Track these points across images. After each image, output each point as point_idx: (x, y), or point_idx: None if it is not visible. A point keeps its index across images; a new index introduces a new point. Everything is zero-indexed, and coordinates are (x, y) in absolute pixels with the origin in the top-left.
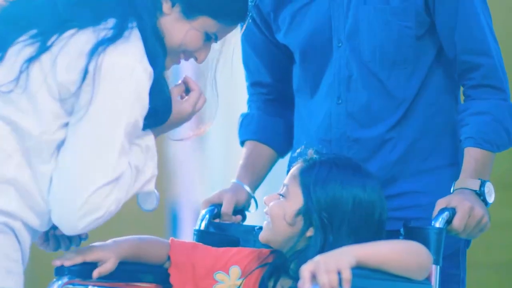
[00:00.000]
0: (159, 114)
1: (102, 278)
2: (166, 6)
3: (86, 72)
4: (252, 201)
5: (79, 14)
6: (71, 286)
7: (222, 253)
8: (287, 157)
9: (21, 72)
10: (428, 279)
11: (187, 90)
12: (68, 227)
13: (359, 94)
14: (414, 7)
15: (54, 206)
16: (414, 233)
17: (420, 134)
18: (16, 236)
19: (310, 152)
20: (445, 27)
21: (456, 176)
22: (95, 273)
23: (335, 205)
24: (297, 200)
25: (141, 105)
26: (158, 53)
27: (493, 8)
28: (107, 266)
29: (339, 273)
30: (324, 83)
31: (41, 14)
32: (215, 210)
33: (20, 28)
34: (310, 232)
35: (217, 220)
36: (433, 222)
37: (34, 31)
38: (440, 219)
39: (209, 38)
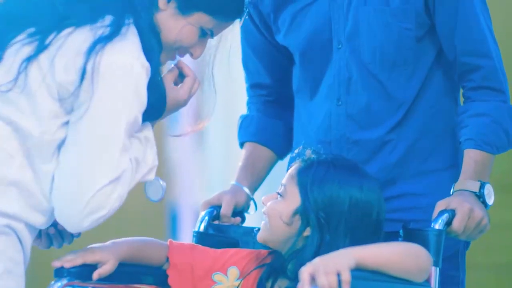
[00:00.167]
0: (154, 109)
1: (101, 279)
2: (161, 2)
3: (84, 71)
4: (252, 202)
5: (77, 11)
6: None
7: (220, 254)
8: (286, 159)
9: (19, 72)
10: (427, 280)
11: (181, 76)
12: (73, 226)
13: (359, 96)
14: (414, 8)
15: (57, 206)
16: (413, 234)
17: (420, 135)
18: (18, 237)
19: (308, 152)
20: (445, 29)
21: (455, 178)
22: (95, 275)
23: (332, 205)
24: (294, 199)
25: (140, 101)
26: (154, 48)
27: (493, 9)
28: (107, 268)
29: (338, 275)
30: (324, 84)
31: (39, 12)
32: (214, 212)
33: (18, 26)
34: (307, 232)
35: (216, 222)
36: (432, 224)
37: (32, 30)
38: (440, 220)
39: (205, 34)
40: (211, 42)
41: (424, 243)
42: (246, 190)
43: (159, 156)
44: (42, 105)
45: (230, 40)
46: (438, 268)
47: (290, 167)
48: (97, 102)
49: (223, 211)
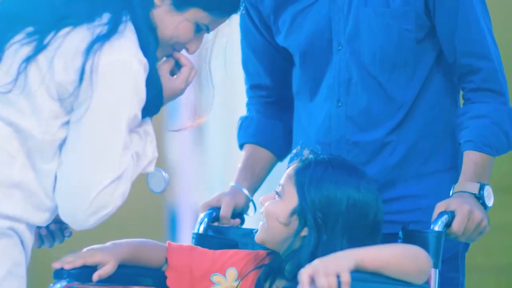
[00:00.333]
0: (152, 105)
1: (101, 281)
2: None
3: (83, 71)
4: (251, 204)
5: (76, 9)
6: None
7: (219, 255)
8: (286, 160)
9: (19, 72)
10: (427, 282)
11: (178, 65)
12: (78, 224)
13: (359, 97)
14: (414, 10)
15: (61, 205)
16: (413, 236)
17: (420, 137)
18: (20, 239)
19: (306, 152)
20: (445, 30)
21: (455, 180)
22: (95, 276)
23: (329, 205)
24: (292, 200)
25: (139, 98)
26: (151, 45)
27: (493, 11)
28: (107, 269)
29: (338, 277)
30: (324, 86)
31: (38, 11)
32: (214, 213)
33: (17, 26)
34: (304, 232)
35: (215, 224)
36: (432, 225)
37: (30, 29)
38: (439, 222)
39: (201, 29)
40: (208, 37)
41: (423, 244)
42: (246, 191)
43: (158, 158)
44: (42, 105)
45: (227, 34)
46: (437, 270)
47: (289, 167)
48: (97, 102)
49: (222, 212)
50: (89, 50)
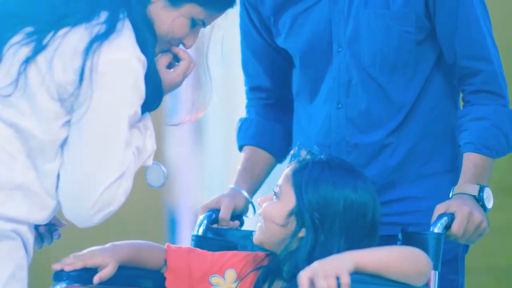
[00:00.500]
0: (151, 100)
1: (101, 283)
2: None
3: (83, 71)
4: (250, 206)
5: (75, 8)
6: None
7: (217, 257)
8: (285, 162)
9: (19, 74)
10: (427, 284)
11: (176, 58)
12: (82, 223)
13: (359, 99)
14: (415, 12)
15: (65, 205)
16: (412, 238)
17: (420, 139)
18: (23, 241)
19: (304, 153)
20: (445, 32)
21: (455, 182)
22: (96, 279)
23: (326, 205)
24: (290, 200)
25: (139, 95)
26: (149, 41)
27: (493, 13)
28: (107, 272)
29: (337, 279)
30: (324, 87)
31: (37, 10)
32: (213, 215)
33: (16, 25)
34: (302, 233)
35: (215, 226)
36: (431, 227)
37: (29, 29)
38: (439, 224)
39: (196, 24)
40: (204, 31)
41: (423, 246)
42: (245, 193)
43: (158, 159)
44: (42, 106)
45: (224, 28)
46: (437, 272)
47: (286, 168)
48: (97, 101)
49: (221, 214)
50: (88, 50)
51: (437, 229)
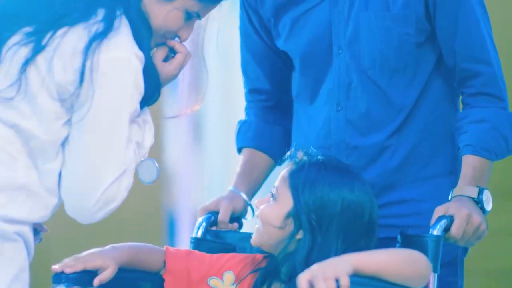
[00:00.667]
0: (149, 95)
1: (101, 285)
2: None
3: (83, 71)
4: (249, 208)
5: (73, 7)
6: None
7: (216, 259)
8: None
9: (19, 76)
10: (426, 287)
11: (172, 50)
12: (85, 220)
13: (359, 101)
14: (415, 14)
15: (68, 203)
16: (411, 240)
17: (420, 141)
18: (25, 242)
19: (300, 154)
20: (445, 35)
21: (455, 184)
22: (96, 281)
23: (323, 207)
24: (287, 202)
25: (138, 92)
26: (145, 36)
27: (493, 15)
28: (107, 274)
29: (337, 281)
30: (323, 89)
31: (36, 10)
32: (212, 217)
33: (14, 25)
34: (300, 235)
35: (214, 228)
36: (431, 229)
37: (28, 29)
38: (438, 226)
39: (191, 16)
40: (199, 22)
41: (422, 249)
42: (244, 195)
43: (157, 161)
44: (43, 107)
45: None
46: (436, 274)
47: (283, 169)
48: (99, 101)
49: (220, 217)
50: (88, 49)
51: (436, 231)
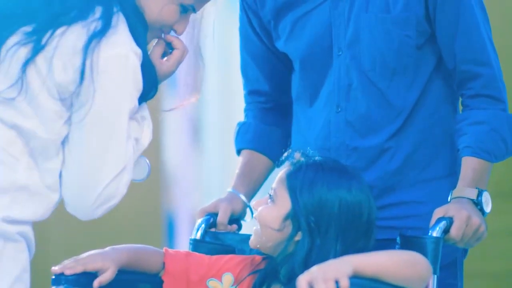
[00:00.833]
0: (146, 91)
1: (100, 287)
2: None
3: (83, 70)
4: (248, 210)
5: (71, 5)
6: None
7: (215, 261)
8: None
9: (20, 77)
10: None
11: (169, 45)
12: (84, 216)
13: (359, 103)
14: (415, 16)
15: (68, 200)
16: (411, 242)
17: (419, 143)
18: (27, 242)
19: (297, 155)
20: (445, 36)
21: (454, 186)
22: (96, 283)
23: (321, 208)
24: (285, 204)
25: (137, 89)
26: (141, 32)
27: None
28: (107, 276)
29: (336, 282)
30: (323, 91)
31: (35, 9)
32: (211, 219)
33: (13, 24)
34: (298, 237)
35: (213, 230)
36: (430, 231)
37: (27, 28)
38: (438, 228)
39: (186, 10)
40: (195, 16)
41: (421, 250)
42: (243, 197)
43: (156, 162)
44: (44, 106)
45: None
46: (435, 276)
47: (280, 171)
48: (99, 99)
49: (219, 218)
50: (87, 48)
51: (435, 233)
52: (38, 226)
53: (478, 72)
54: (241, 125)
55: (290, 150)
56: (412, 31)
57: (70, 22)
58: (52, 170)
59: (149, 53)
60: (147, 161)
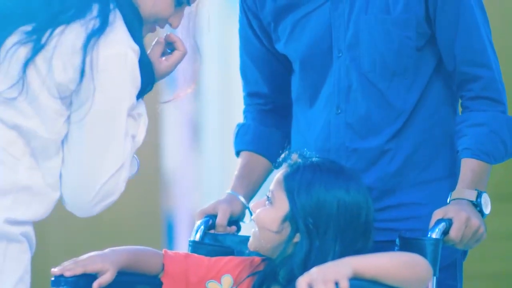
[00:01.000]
0: (143, 86)
1: None
2: None
3: (83, 69)
4: (247, 211)
5: (69, 4)
6: None
7: (214, 262)
8: None
9: (21, 76)
10: None
11: (168, 44)
12: (83, 213)
13: (359, 105)
14: (415, 17)
15: (67, 197)
16: (410, 244)
17: (419, 145)
18: (29, 242)
19: (294, 157)
20: (445, 38)
21: (454, 187)
22: (95, 285)
23: (319, 209)
24: (283, 206)
25: (136, 86)
26: (136, 27)
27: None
28: (107, 278)
29: (336, 284)
30: (323, 93)
31: (34, 8)
32: (210, 221)
33: (13, 24)
34: (297, 238)
35: (212, 231)
36: (429, 233)
37: (27, 28)
38: (437, 230)
39: (181, 3)
40: (188, 9)
41: (421, 252)
42: (242, 199)
43: (155, 163)
44: (45, 106)
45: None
46: (435, 278)
47: (278, 172)
48: (99, 98)
49: (218, 220)
50: (86, 46)
51: (435, 234)
52: (38, 226)
53: (478, 74)
54: (240, 127)
55: (287, 151)
56: (412, 33)
57: (68, 20)
58: (52, 169)
59: (148, 51)
60: (136, 157)
